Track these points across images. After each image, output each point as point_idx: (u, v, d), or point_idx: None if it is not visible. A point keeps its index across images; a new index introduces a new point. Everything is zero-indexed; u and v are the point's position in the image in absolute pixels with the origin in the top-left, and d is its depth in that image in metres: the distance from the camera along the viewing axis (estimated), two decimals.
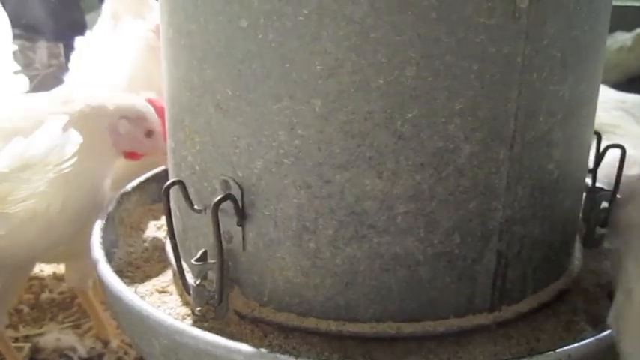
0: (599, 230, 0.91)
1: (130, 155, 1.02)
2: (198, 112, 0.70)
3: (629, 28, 2.30)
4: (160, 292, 0.83)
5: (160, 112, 0.98)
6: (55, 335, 1.14)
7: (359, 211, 0.65)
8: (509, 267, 0.70)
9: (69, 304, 1.27)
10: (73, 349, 1.11)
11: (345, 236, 0.66)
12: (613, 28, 2.27)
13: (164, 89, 0.79)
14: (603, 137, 0.91)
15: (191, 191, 0.74)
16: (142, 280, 0.86)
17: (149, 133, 1.00)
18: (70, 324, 1.22)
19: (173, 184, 0.70)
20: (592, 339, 0.64)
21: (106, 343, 1.16)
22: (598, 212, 0.90)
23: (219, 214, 0.68)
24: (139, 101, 1.01)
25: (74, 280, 1.13)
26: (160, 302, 0.80)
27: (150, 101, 1.02)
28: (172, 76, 0.74)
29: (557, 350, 0.62)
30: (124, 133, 0.98)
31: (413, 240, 0.66)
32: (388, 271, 0.67)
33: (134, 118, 0.98)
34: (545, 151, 0.68)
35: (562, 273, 0.79)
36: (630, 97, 1.30)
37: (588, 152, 0.81)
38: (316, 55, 0.61)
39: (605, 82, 1.41)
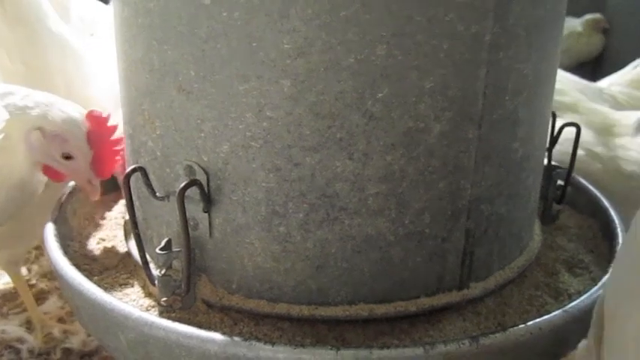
0: (556, 207, 0.94)
1: (48, 172, 0.87)
2: (159, 95, 0.67)
3: (578, 14, 2.36)
4: (121, 284, 0.80)
5: (106, 131, 0.86)
6: None
7: (330, 194, 0.64)
8: (476, 245, 0.71)
9: (15, 294, 1.21)
10: (21, 340, 1.06)
11: (315, 219, 0.65)
12: None
13: (118, 72, 0.76)
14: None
15: (152, 178, 0.71)
16: (101, 273, 0.83)
17: (67, 156, 0.85)
18: (16, 314, 1.16)
19: (134, 170, 0.67)
20: (559, 311, 0.66)
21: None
22: (555, 189, 0.93)
23: (185, 200, 0.66)
24: (73, 116, 0.86)
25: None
26: (122, 295, 0.77)
27: (94, 118, 0.87)
28: (128, 57, 0.71)
29: (529, 324, 0.63)
30: (37, 146, 0.84)
31: (384, 221, 0.66)
32: (360, 253, 0.67)
33: (51, 133, 0.84)
34: (511, 129, 0.69)
35: (525, 249, 0.81)
36: (583, 82, 1.35)
37: (547, 131, 0.82)
38: (284, 34, 0.59)
39: None
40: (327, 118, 0.61)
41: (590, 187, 0.96)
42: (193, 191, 0.66)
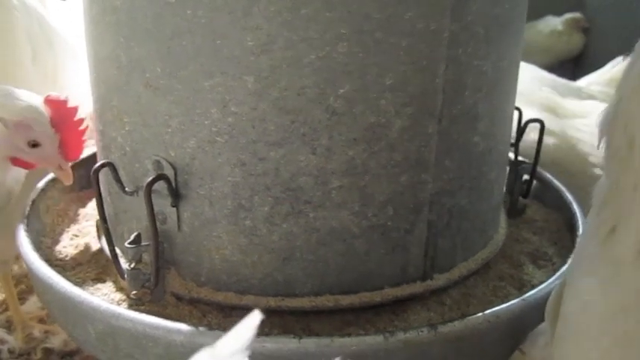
0: (522, 201, 0.96)
1: (17, 162, 0.85)
2: (127, 91, 0.69)
3: (559, 13, 2.40)
4: (93, 279, 0.81)
5: (68, 113, 0.84)
6: None
7: (294, 187, 0.66)
8: (439, 237, 0.73)
9: None
10: (1, 340, 1.06)
11: (281, 212, 0.67)
12: (543, 13, 2.36)
13: (88, 69, 0.77)
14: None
15: (122, 173, 0.72)
16: (73, 268, 0.84)
17: (34, 143, 0.83)
18: None
19: (102, 166, 0.68)
20: (517, 300, 0.68)
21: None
22: (521, 184, 0.95)
23: (153, 195, 0.67)
24: (32, 103, 0.83)
25: None
26: (94, 289, 0.78)
27: (53, 102, 0.84)
28: (97, 55, 0.72)
29: (487, 312, 0.65)
30: (1, 139, 0.82)
31: (348, 214, 0.67)
32: (325, 245, 0.68)
33: (13, 122, 0.81)
34: (471, 124, 0.71)
35: (489, 242, 0.83)
36: (561, 81, 1.38)
37: (511, 126, 0.84)
38: (248, 31, 0.61)
39: (536, 64, 1.47)
40: (291, 114, 0.63)
41: (555, 182, 0.98)
42: (161, 186, 0.67)
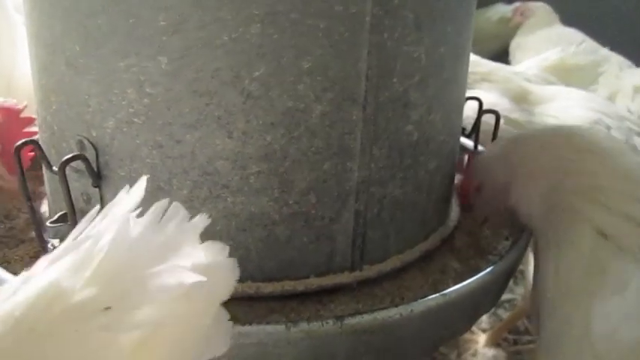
0: None
1: None
2: (52, 70, 0.68)
3: (508, 1, 2.42)
4: (31, 257, 0.81)
5: (18, 124, 0.80)
6: None
7: (211, 171, 0.65)
8: (369, 227, 0.71)
9: None
10: None
11: (199, 196, 0.66)
12: (493, 1, 2.38)
13: (28, 48, 0.77)
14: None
15: (52, 152, 0.72)
16: (16, 246, 0.84)
17: None
18: None
19: (25, 144, 0.68)
20: (436, 295, 0.66)
21: None
22: None
23: (77, 174, 0.67)
24: None
25: None
26: (30, 267, 0.78)
27: (4, 110, 0.80)
28: (29, 32, 0.72)
29: (400, 305, 0.64)
30: None
31: (267, 200, 0.66)
32: (245, 231, 0.67)
33: None
34: (402, 112, 0.69)
35: (431, 234, 0.81)
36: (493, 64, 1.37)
37: (460, 116, 0.82)
38: (160, 11, 0.60)
39: (486, 52, 1.46)
40: (205, 96, 0.62)
41: None
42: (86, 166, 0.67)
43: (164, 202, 0.49)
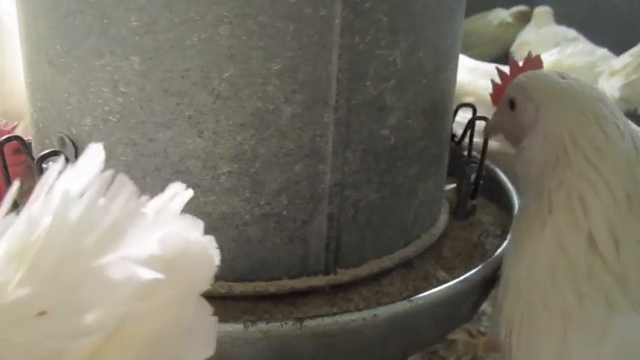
0: (471, 202, 0.92)
1: None
2: (37, 68, 0.70)
3: (506, 6, 2.45)
4: None
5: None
6: None
7: (183, 170, 0.66)
8: (343, 231, 0.71)
9: None
10: None
11: None
12: (492, 5, 2.40)
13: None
14: None
15: (39, 149, 0.74)
16: None
17: None
18: None
19: (8, 139, 0.70)
20: (403, 301, 0.65)
21: None
22: (469, 184, 0.91)
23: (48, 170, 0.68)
24: None
25: None
26: None
27: None
28: (19, 32, 0.74)
29: (364, 310, 0.63)
30: None
31: (239, 200, 0.67)
32: (216, 230, 0.68)
33: None
34: (377, 115, 0.69)
35: (412, 241, 0.80)
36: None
37: (442, 122, 0.81)
38: (132, 12, 0.61)
39: (486, 55, 1.43)
40: (175, 96, 0.63)
41: (508, 184, 0.94)
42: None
43: (108, 173, 0.41)
